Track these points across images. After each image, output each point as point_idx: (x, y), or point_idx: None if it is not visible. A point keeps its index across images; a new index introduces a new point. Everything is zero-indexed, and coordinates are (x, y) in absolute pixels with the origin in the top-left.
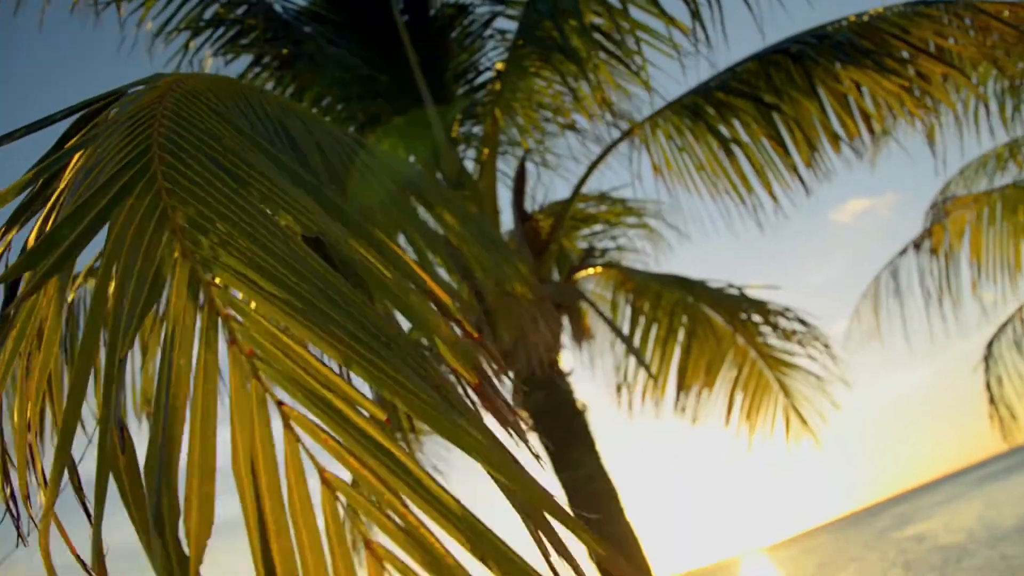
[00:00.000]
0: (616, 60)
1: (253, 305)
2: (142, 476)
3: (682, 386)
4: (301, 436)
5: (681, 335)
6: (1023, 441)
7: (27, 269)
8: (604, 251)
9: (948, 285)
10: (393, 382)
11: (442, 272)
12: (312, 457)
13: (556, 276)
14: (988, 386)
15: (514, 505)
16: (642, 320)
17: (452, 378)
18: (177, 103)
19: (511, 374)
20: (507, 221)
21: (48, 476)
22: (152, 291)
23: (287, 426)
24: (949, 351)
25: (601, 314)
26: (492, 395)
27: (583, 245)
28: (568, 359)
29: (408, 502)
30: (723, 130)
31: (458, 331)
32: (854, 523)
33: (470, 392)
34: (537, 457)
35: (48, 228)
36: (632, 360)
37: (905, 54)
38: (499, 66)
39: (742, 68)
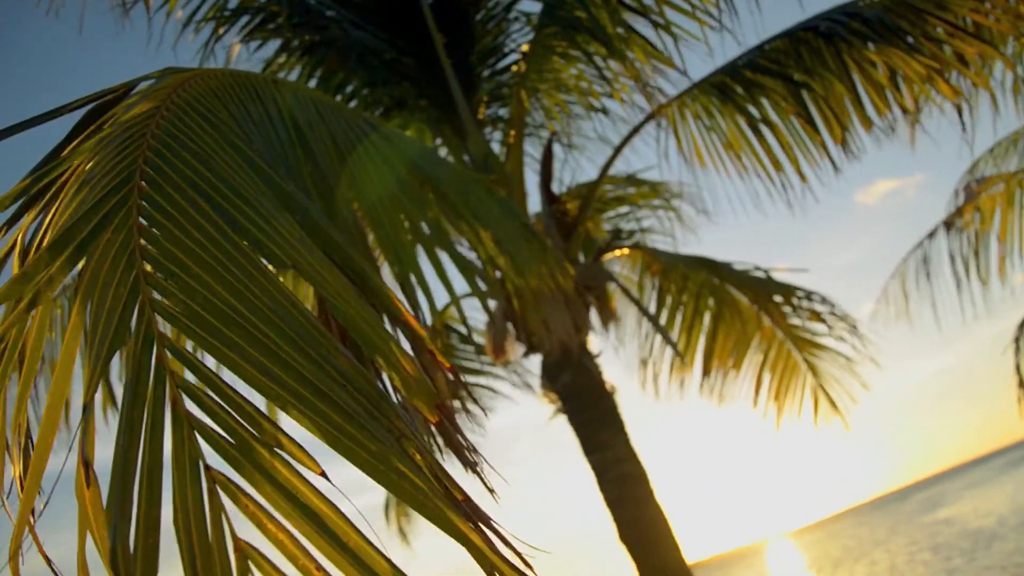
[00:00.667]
0: (643, 40)
1: (207, 359)
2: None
3: (708, 368)
4: (225, 500)
5: (707, 317)
6: None
7: (7, 299)
8: (631, 232)
9: (978, 266)
10: (338, 433)
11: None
12: (229, 522)
13: (583, 258)
14: (1018, 368)
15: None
16: (668, 302)
17: (410, 415)
18: (172, 118)
19: (538, 356)
20: (534, 204)
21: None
22: (115, 338)
23: (211, 491)
24: (976, 334)
25: (629, 295)
26: (452, 433)
27: (608, 228)
28: (596, 341)
29: (327, 566)
30: (751, 109)
31: (420, 365)
32: (881, 507)
33: (432, 429)
34: (491, 492)
35: (31, 255)
36: (658, 343)
37: (940, 30)
38: (524, 47)
39: (771, 46)
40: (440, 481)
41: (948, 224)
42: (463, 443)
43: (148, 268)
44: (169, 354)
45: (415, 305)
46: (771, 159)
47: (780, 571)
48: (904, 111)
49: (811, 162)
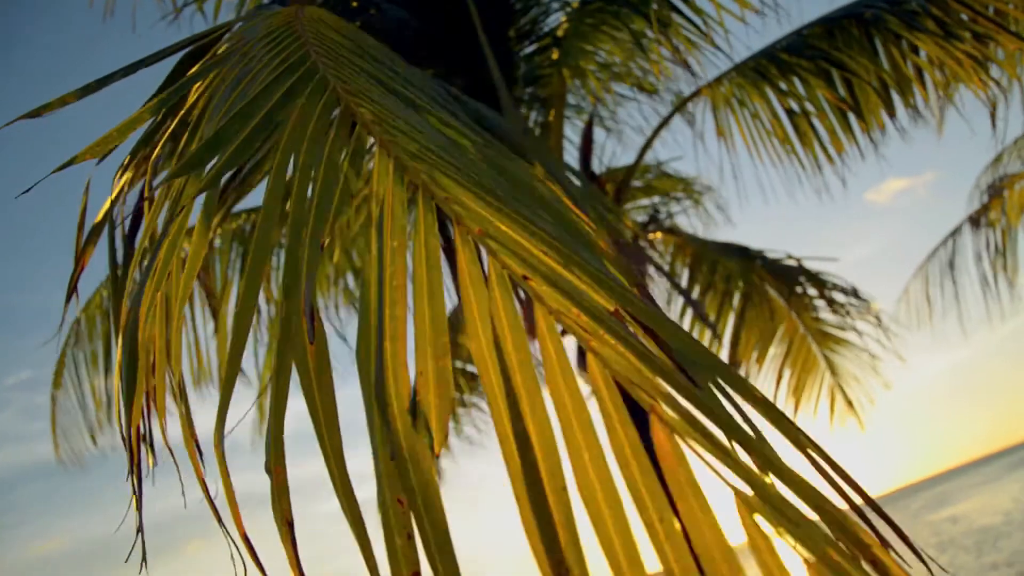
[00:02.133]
0: (685, 19)
1: (461, 195)
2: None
3: (734, 359)
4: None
5: (736, 303)
6: None
7: (192, 170)
8: (669, 215)
9: (1004, 263)
10: (610, 285)
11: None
12: (575, 329)
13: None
14: None
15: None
16: (698, 288)
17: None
18: (312, 24)
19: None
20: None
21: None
22: (344, 192)
23: (538, 299)
24: (986, 333)
25: (668, 276)
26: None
27: (641, 218)
28: None
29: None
30: (784, 89)
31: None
32: (887, 504)
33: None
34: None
35: (196, 143)
36: (687, 327)
37: (971, 23)
38: (564, 25)
39: (808, 31)
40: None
41: (974, 221)
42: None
43: (370, 117)
44: (432, 187)
45: None
46: (803, 143)
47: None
48: (930, 101)
49: (839, 147)
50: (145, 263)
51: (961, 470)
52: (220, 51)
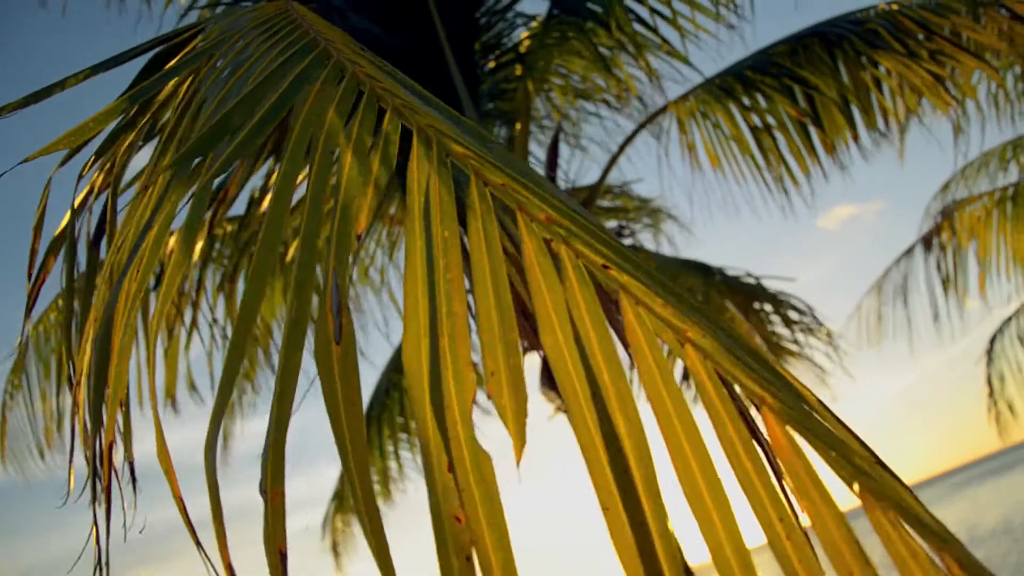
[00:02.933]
0: (653, 32)
1: (511, 183)
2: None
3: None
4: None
5: None
6: (1020, 439)
7: (199, 154)
8: (632, 232)
9: (956, 284)
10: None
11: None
12: (667, 318)
13: None
14: (989, 382)
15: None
16: None
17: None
18: (303, 12)
19: (540, 353)
20: None
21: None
22: (384, 162)
23: (623, 289)
24: (933, 356)
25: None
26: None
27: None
28: None
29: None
30: (747, 104)
31: None
32: None
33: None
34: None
35: (197, 129)
36: None
37: (930, 45)
38: (528, 41)
39: (774, 50)
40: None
41: (926, 242)
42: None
43: (399, 104)
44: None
45: None
46: (766, 160)
47: None
48: (894, 114)
49: (803, 166)
50: (112, 272)
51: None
52: (199, 46)
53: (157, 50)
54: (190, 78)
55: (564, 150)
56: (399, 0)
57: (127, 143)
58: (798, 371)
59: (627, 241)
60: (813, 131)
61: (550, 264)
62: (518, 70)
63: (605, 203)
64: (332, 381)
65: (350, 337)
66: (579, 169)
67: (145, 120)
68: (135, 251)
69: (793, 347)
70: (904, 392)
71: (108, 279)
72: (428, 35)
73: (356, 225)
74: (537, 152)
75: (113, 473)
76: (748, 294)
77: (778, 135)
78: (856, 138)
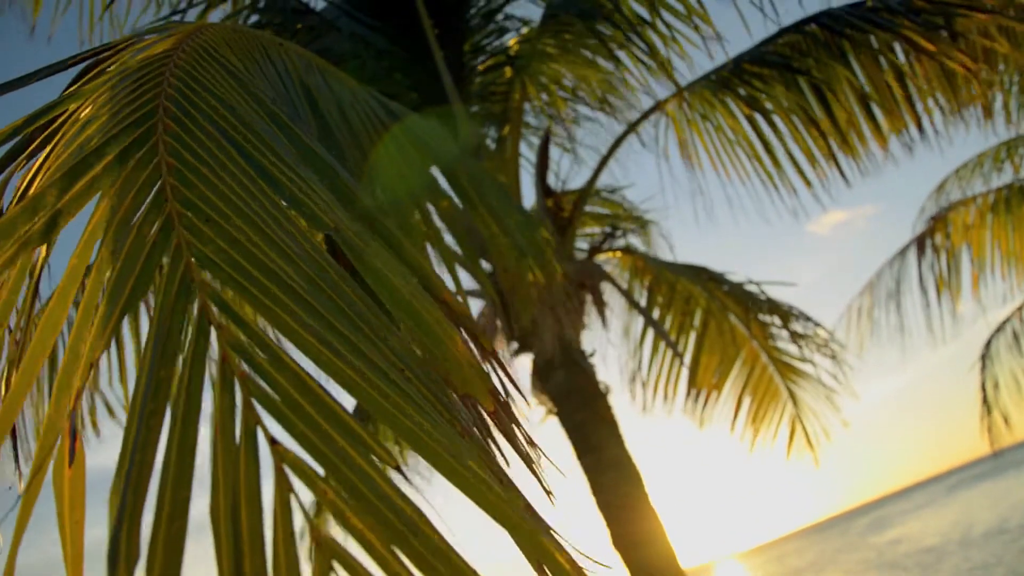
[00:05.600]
0: (650, 32)
1: (254, 317)
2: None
3: (694, 382)
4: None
5: (695, 327)
6: (1011, 443)
7: (5, 237)
8: (625, 233)
9: (949, 285)
10: (408, 423)
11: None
12: (304, 511)
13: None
14: (983, 387)
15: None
16: (657, 310)
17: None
18: (190, 60)
19: (531, 355)
20: (528, 201)
21: None
22: (139, 283)
23: (279, 469)
24: (925, 358)
25: (624, 292)
26: (508, 423)
27: (595, 240)
28: (589, 340)
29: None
30: (746, 97)
31: (473, 347)
32: (830, 528)
33: (486, 418)
34: (549, 494)
35: (31, 190)
36: (647, 352)
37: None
38: (519, 44)
39: (776, 43)
40: (510, 486)
41: (920, 243)
42: (522, 435)
43: (180, 209)
44: (214, 306)
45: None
46: (773, 163)
47: None
48: (919, 127)
49: (802, 168)
50: None
51: (902, 494)
52: (103, 74)
53: (89, 61)
54: (76, 110)
55: (556, 152)
56: (389, 3)
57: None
58: (807, 392)
59: (619, 243)
60: (817, 136)
61: (232, 425)
62: (508, 72)
63: (595, 207)
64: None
65: (81, 463)
66: (570, 171)
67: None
68: None
69: (799, 364)
70: (897, 393)
71: None
72: (417, 37)
73: (99, 349)
74: (527, 153)
75: None
76: (752, 306)
77: (777, 128)
78: (883, 144)
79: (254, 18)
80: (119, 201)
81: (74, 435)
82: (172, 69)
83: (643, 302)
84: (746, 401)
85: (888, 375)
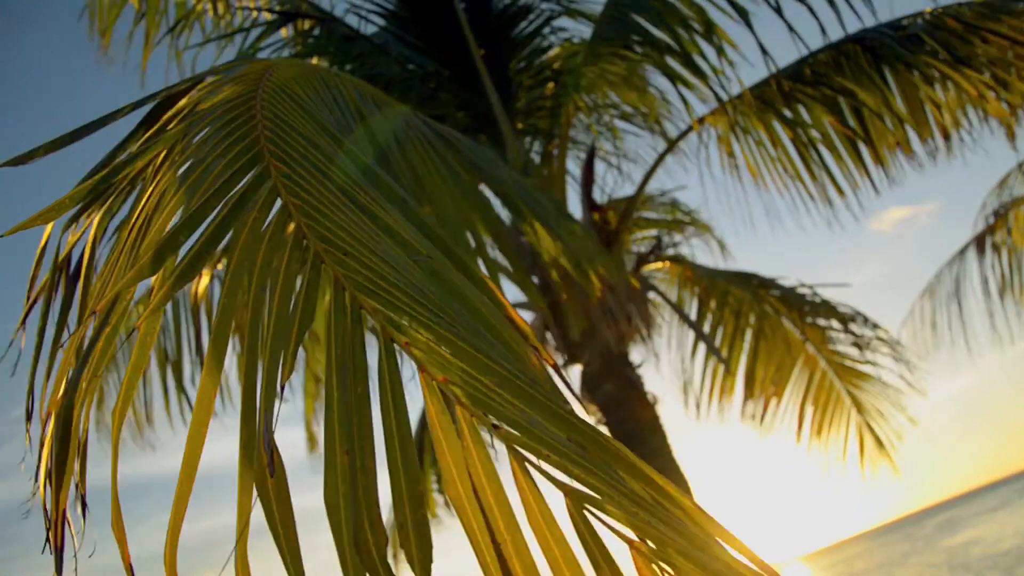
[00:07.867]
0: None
1: (419, 335)
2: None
3: (750, 391)
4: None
5: (748, 336)
6: None
7: (152, 274)
8: (674, 243)
9: (1012, 285)
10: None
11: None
12: (544, 473)
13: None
14: None
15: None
16: (709, 318)
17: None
18: (272, 100)
19: (579, 366)
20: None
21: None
22: (304, 315)
23: (511, 449)
24: (994, 357)
25: (673, 305)
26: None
27: (644, 248)
28: (638, 351)
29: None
30: (789, 117)
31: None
32: (897, 530)
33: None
34: None
35: (160, 235)
36: (699, 361)
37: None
38: (563, 60)
39: (814, 59)
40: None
41: (980, 243)
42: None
43: (323, 247)
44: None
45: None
46: (809, 173)
47: None
48: (945, 136)
49: (847, 177)
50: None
51: (968, 496)
52: (174, 120)
53: (158, 101)
54: (163, 154)
55: (601, 166)
56: (435, 25)
57: (99, 217)
58: (870, 394)
59: (667, 253)
60: (861, 145)
61: (450, 423)
62: (551, 87)
63: (645, 214)
64: (269, 505)
65: (281, 470)
66: (616, 182)
67: (118, 192)
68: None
69: (860, 366)
70: (962, 394)
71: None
72: (464, 57)
73: (282, 375)
74: (574, 169)
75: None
76: (807, 310)
77: (821, 147)
78: (910, 152)
79: (309, 40)
80: (253, 244)
81: (271, 451)
82: (259, 111)
83: (693, 313)
84: (808, 409)
85: (953, 375)
